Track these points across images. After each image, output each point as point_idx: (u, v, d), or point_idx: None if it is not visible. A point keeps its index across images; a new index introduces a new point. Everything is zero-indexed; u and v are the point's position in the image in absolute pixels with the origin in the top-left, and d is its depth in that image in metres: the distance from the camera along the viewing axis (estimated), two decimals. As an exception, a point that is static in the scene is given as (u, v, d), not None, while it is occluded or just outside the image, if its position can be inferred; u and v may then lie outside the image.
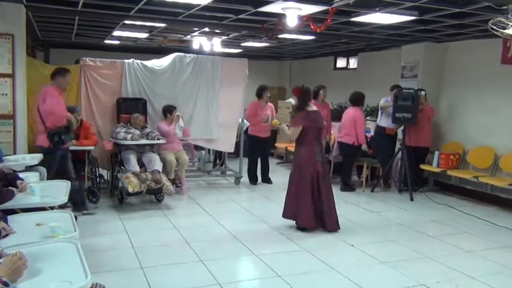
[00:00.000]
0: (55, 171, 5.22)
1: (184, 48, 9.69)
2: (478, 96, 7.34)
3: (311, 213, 5.22)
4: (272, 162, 10.13)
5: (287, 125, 5.58)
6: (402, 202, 6.93)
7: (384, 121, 7.69)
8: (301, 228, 5.28)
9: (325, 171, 5.40)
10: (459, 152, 7.47)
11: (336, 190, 7.48)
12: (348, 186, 7.60)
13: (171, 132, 6.71)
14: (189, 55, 7.45)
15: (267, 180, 7.96)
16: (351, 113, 7.58)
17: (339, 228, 5.32)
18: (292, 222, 5.39)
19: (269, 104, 7.94)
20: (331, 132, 8.35)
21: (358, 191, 7.56)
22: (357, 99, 7.63)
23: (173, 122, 6.82)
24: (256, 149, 7.84)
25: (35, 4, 5.96)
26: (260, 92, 7.73)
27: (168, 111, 6.95)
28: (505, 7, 4.23)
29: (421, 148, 7.51)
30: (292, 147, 9.61)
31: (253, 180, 7.87)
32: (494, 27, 4.11)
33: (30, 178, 4.29)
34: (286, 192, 5.47)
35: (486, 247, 4.98)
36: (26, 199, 3.58)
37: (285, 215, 5.40)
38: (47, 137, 5.30)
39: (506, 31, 4.08)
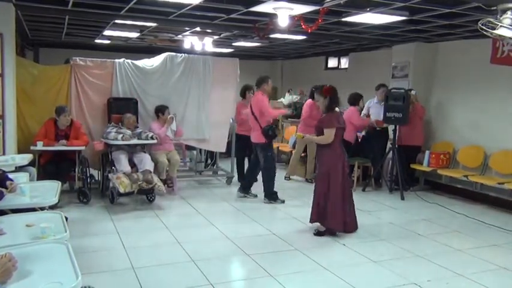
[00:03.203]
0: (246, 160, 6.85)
1: (176, 47, 9.66)
2: (468, 95, 7.41)
3: (342, 216, 5.08)
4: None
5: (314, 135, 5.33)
6: (393, 201, 6.97)
7: (371, 118, 7.80)
8: (330, 231, 5.12)
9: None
10: (449, 151, 7.53)
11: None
12: None
13: (161, 135, 6.67)
14: (180, 55, 7.43)
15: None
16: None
17: (344, 231, 5.18)
18: (284, 222, 5.40)
19: None
20: None
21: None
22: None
23: (165, 125, 6.78)
24: (241, 148, 7.82)
25: (24, 3, 5.91)
26: (243, 92, 7.71)
27: (160, 111, 6.93)
28: (494, 7, 4.26)
29: (413, 147, 7.58)
30: (284, 147, 9.68)
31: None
32: (484, 28, 4.14)
33: (20, 178, 4.27)
34: (314, 196, 5.26)
35: (476, 245, 5.02)
36: (16, 200, 3.55)
37: (314, 219, 5.23)
38: (261, 132, 6.43)
39: (496, 31, 4.11)
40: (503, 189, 6.52)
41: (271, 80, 6.75)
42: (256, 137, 6.55)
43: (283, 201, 6.60)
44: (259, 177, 6.80)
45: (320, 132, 5.15)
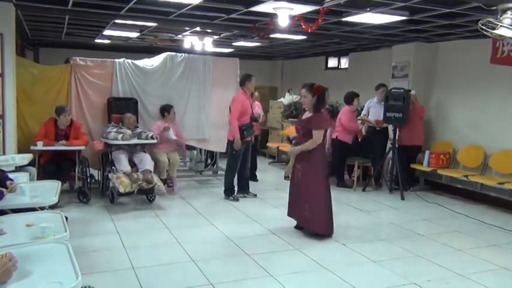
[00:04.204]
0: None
1: (176, 47, 9.66)
2: (468, 95, 7.41)
3: (330, 218, 5.09)
4: (264, 161, 10.15)
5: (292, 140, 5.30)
6: (393, 201, 6.97)
7: (371, 118, 7.82)
8: (320, 234, 5.04)
9: None
10: (449, 151, 7.52)
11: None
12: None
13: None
14: (180, 55, 7.44)
15: (253, 178, 7.97)
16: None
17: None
18: (284, 222, 5.39)
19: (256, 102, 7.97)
20: None
21: (350, 191, 7.59)
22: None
23: (163, 131, 6.77)
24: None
25: (24, 3, 5.91)
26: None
27: (166, 110, 6.98)
28: (495, 7, 4.26)
29: (414, 147, 7.59)
30: (284, 147, 9.66)
31: (254, 178, 7.94)
32: (484, 28, 4.14)
33: (20, 178, 4.26)
34: (299, 200, 5.13)
35: (476, 245, 5.02)
36: (16, 199, 3.55)
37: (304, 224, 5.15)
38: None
39: (496, 31, 4.11)
40: (504, 189, 6.52)
41: (254, 78, 6.73)
42: (228, 134, 6.75)
43: (237, 199, 6.67)
44: (259, 174, 6.86)
45: (305, 133, 5.02)
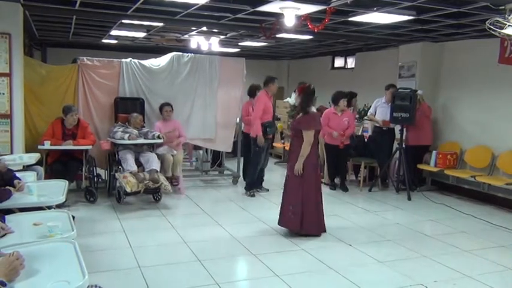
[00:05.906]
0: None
1: (182, 47, 9.68)
2: (475, 95, 7.36)
3: (316, 219, 5.07)
4: (270, 161, 10.14)
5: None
6: (400, 202, 6.94)
7: (378, 117, 7.78)
8: (306, 234, 5.05)
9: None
10: (456, 151, 7.48)
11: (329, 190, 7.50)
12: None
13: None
14: (186, 54, 7.45)
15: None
16: None
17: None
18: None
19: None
20: None
21: (356, 191, 7.57)
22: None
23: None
24: (248, 147, 7.76)
25: (32, 3, 5.95)
26: (254, 91, 7.64)
27: (160, 108, 7.03)
28: (502, 7, 4.24)
29: (421, 147, 7.55)
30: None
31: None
32: (492, 27, 4.12)
33: (28, 178, 4.29)
34: (292, 202, 5.06)
35: (483, 246, 4.99)
36: (23, 199, 3.58)
37: (290, 226, 5.10)
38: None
39: (504, 31, 4.09)
40: (511, 189, 6.48)
41: (277, 81, 7.08)
42: (251, 131, 6.97)
43: (253, 195, 6.96)
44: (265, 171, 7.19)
45: (295, 133, 5.04)
